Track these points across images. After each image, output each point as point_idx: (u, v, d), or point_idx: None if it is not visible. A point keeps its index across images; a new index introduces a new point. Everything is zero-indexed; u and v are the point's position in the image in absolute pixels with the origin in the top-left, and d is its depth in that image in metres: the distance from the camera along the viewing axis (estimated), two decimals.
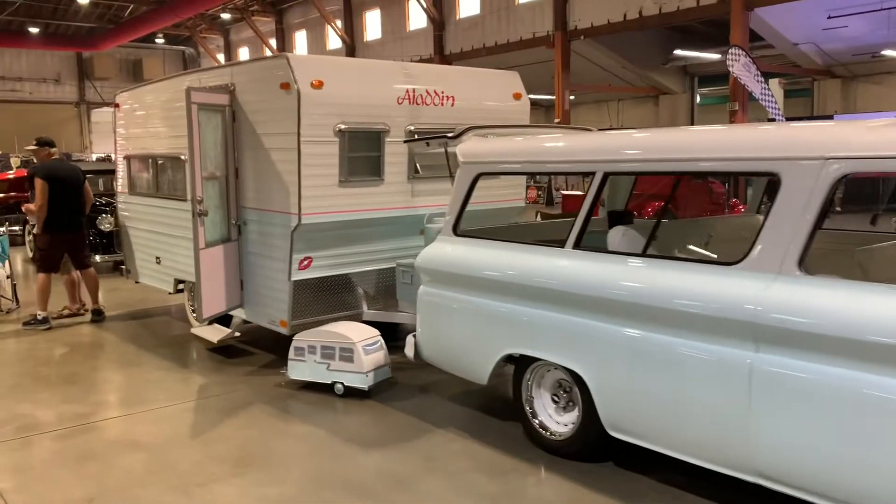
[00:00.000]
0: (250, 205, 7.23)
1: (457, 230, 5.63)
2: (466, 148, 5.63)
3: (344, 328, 6.40)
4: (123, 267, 10.04)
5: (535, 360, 5.03)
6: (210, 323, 8.14)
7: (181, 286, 8.82)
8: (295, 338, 6.44)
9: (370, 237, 7.24)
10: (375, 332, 6.41)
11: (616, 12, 22.65)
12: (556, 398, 5.12)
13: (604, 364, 4.49)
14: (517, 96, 7.97)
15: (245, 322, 7.62)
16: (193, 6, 31.93)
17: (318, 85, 6.52)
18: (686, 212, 14.88)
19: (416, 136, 7.00)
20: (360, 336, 6.24)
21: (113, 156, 10.29)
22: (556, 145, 5.29)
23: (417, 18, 29.86)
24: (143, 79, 40.55)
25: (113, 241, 13.11)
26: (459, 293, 5.41)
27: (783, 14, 21.29)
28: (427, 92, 7.26)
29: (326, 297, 7.13)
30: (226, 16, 37.44)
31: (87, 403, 6.46)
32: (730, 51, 17.74)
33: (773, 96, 18.13)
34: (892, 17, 20.91)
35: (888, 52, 21.81)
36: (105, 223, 12.28)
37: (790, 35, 23.06)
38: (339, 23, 33.06)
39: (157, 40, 42.16)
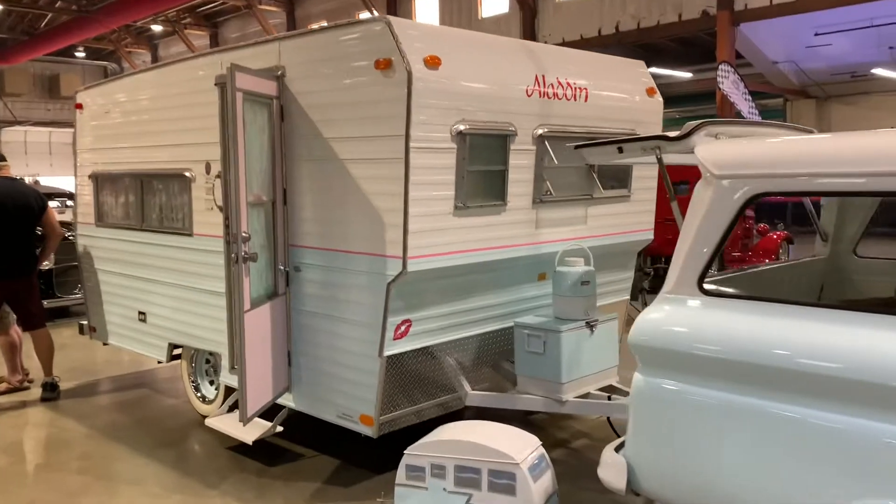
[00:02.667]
0: (308, 242, 4.94)
1: (704, 285, 3.51)
2: (722, 154, 3.53)
3: (486, 433, 4.16)
4: (85, 323, 7.48)
5: None
6: (231, 409, 5.76)
7: (177, 350, 6.40)
8: (408, 451, 4.17)
9: (480, 287, 5.06)
10: (534, 440, 4.20)
11: (590, 27, 21.07)
12: None
13: None
14: (651, 92, 5.95)
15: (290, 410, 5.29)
16: (120, 16, 28.94)
17: (435, 63, 4.34)
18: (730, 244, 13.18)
19: (569, 141, 4.89)
20: (520, 450, 4.03)
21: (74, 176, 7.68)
22: None
23: None
24: (61, 96, 37.04)
25: (52, 283, 10.51)
26: (738, 394, 3.28)
27: (768, 31, 20.42)
28: (559, 82, 5.16)
29: (425, 378, 4.89)
30: (156, 28, 34.48)
31: None
32: (719, 67, 16.89)
33: (759, 115, 17.35)
34: (882, 35, 20.17)
35: (879, 71, 20.97)
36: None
37: (771, 53, 22.18)
38: None
39: (77, 54, 38.69)
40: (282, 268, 5.00)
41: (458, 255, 4.67)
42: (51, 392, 7.05)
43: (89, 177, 7.07)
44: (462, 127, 4.51)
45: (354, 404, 4.74)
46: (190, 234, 5.89)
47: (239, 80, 4.40)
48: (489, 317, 5.19)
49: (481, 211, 4.78)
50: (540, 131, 5.03)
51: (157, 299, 6.35)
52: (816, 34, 20.78)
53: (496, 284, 5.17)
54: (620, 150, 4.04)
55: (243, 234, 4.45)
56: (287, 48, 4.94)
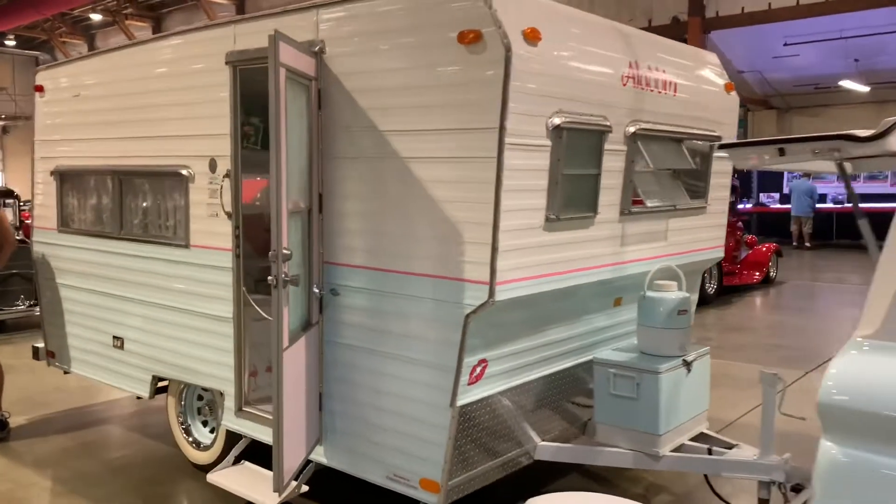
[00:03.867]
0: (349, 260, 3.97)
1: None
2: None
3: None
4: (41, 347, 6.30)
5: None
6: (236, 460, 4.74)
7: (162, 383, 5.32)
8: None
9: (556, 317, 4.18)
10: None
11: None
12: None
13: None
14: (729, 88, 5.16)
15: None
16: (58, 3, 27.13)
17: (535, 37, 3.43)
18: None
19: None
20: None
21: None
22: None
23: None
24: None
25: None
26: None
27: (737, 39, 20.28)
28: (650, 70, 4.31)
29: (494, 430, 3.96)
30: (95, 17, 32.58)
31: None
32: None
33: None
34: (850, 47, 20.15)
35: (846, 83, 20.90)
36: None
37: (738, 62, 22.00)
38: None
39: (7, 42, 36.38)
40: (316, 290, 4.01)
41: (547, 279, 3.77)
42: None
43: (51, 173, 5.91)
44: (559, 120, 3.62)
45: (412, 465, 3.78)
46: (185, 246, 4.84)
47: (282, 51, 3.41)
48: (561, 353, 4.31)
49: (571, 224, 3.89)
50: (632, 128, 4.17)
51: (138, 322, 5.26)
52: (786, 44, 20.66)
53: (572, 313, 4.29)
54: (782, 153, 3.20)
55: (284, 252, 3.46)
56: (329, 17, 3.96)
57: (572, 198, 3.83)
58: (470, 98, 3.40)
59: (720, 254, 5.41)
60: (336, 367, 4.09)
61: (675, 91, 4.51)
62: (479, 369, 3.69)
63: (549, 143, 3.61)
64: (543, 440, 4.28)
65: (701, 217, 5.06)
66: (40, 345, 6.30)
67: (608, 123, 3.97)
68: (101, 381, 5.72)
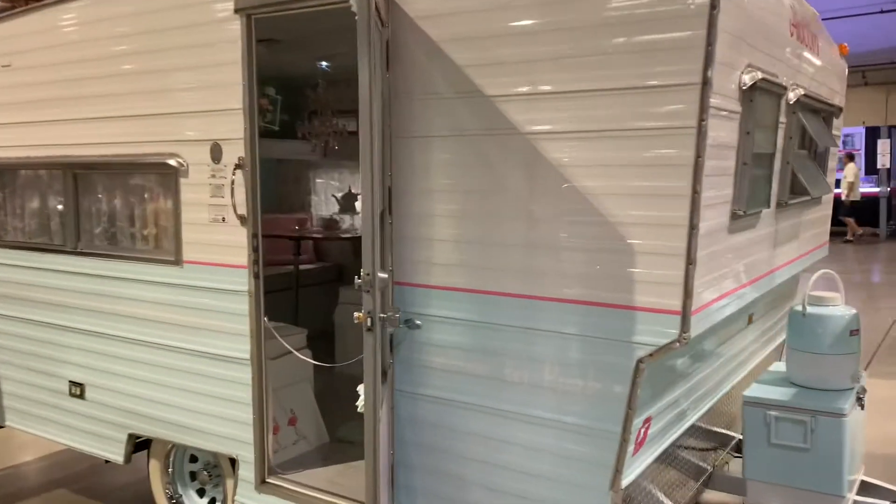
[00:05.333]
0: (436, 279, 2.82)
1: None
2: None
3: None
4: None
5: None
6: None
7: (138, 444, 4.04)
8: None
9: (707, 348, 3.15)
10: None
11: None
12: None
13: None
14: (843, 51, 4.24)
15: None
16: None
17: None
18: None
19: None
20: None
21: None
22: None
23: None
24: None
25: None
26: None
27: None
28: (802, 19, 3.32)
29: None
30: None
31: None
32: None
33: None
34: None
35: None
36: None
37: None
38: None
39: None
40: (387, 319, 2.85)
41: (732, 298, 2.74)
42: None
43: None
44: (750, 77, 2.57)
45: None
46: (175, 263, 3.59)
47: None
48: (704, 393, 3.29)
49: (749, 222, 2.86)
50: (794, 95, 3.16)
51: (106, 364, 3.96)
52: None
53: (716, 341, 3.27)
54: None
55: (382, 276, 2.29)
56: None
57: (754, 187, 2.79)
58: (658, 39, 2.31)
59: (824, 252, 4.49)
60: (414, 428, 2.95)
61: (817, 50, 3.54)
62: (643, 432, 2.62)
63: (738, 109, 2.56)
64: None
65: (818, 208, 4.13)
66: None
67: (783, 84, 2.95)
68: (52, 439, 4.37)
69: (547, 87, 2.51)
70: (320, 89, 5.93)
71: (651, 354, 2.39)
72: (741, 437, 4.03)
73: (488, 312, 2.73)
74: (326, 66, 5.68)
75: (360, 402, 2.46)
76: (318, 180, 6.58)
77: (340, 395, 4.28)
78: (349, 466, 3.63)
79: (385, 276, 2.27)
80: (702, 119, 2.25)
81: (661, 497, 3.09)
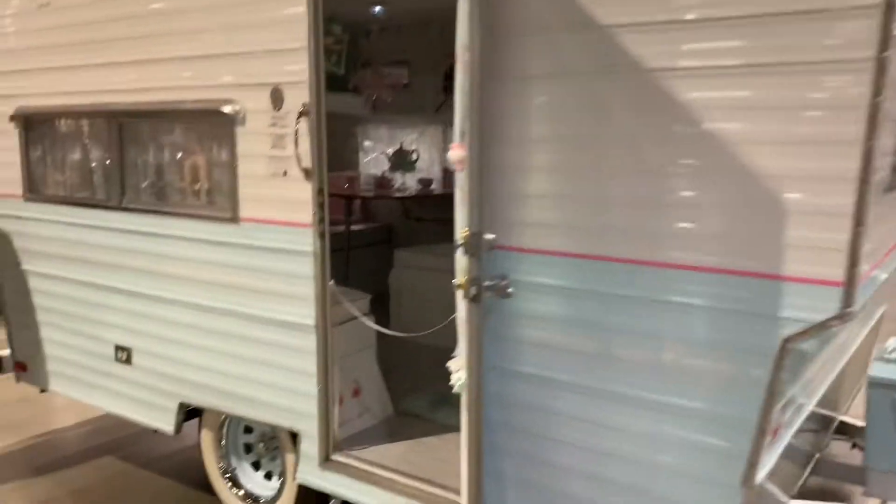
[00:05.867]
0: (532, 242, 2.46)
1: None
2: None
3: None
4: (4, 355, 4.65)
5: None
6: None
7: (188, 412, 3.79)
8: None
9: None
10: None
11: None
12: None
13: None
14: None
15: None
16: None
17: None
18: None
19: None
20: None
21: None
22: None
23: None
24: None
25: None
26: None
27: None
28: None
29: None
30: None
31: None
32: None
33: None
34: None
35: None
36: None
37: None
38: None
39: None
40: (477, 290, 2.51)
41: (882, 268, 2.36)
42: None
43: (11, 118, 4.20)
44: None
45: None
46: (232, 220, 3.27)
47: None
48: (827, 371, 2.92)
49: None
50: None
51: (154, 328, 3.69)
52: None
53: None
54: None
55: (488, 238, 1.94)
56: None
57: None
58: None
59: None
60: (504, 408, 2.62)
61: None
62: (779, 420, 2.27)
63: None
64: (792, 497, 2.92)
65: None
66: (3, 353, 4.65)
67: None
68: (97, 405, 4.14)
69: (691, 15, 2.12)
70: (373, 37, 5.54)
71: (802, 333, 2.04)
72: (842, 418, 3.69)
73: (596, 280, 2.38)
74: (380, 10, 5.30)
75: (457, 381, 2.14)
76: (367, 137, 6.22)
77: (401, 365, 3.98)
78: (419, 443, 3.34)
79: (492, 236, 1.92)
80: (883, 50, 1.86)
81: (774, 490, 2.75)
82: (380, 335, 3.54)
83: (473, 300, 1.90)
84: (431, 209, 5.97)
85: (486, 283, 1.90)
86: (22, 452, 4.72)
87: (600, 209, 2.35)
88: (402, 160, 5.75)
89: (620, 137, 2.29)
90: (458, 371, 2.21)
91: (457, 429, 3.44)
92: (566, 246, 2.42)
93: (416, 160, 5.82)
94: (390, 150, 5.86)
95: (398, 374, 3.86)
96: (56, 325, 4.24)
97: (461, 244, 1.96)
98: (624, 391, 2.36)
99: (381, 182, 5.57)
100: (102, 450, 4.72)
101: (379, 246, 6.02)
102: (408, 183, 5.86)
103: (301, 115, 2.96)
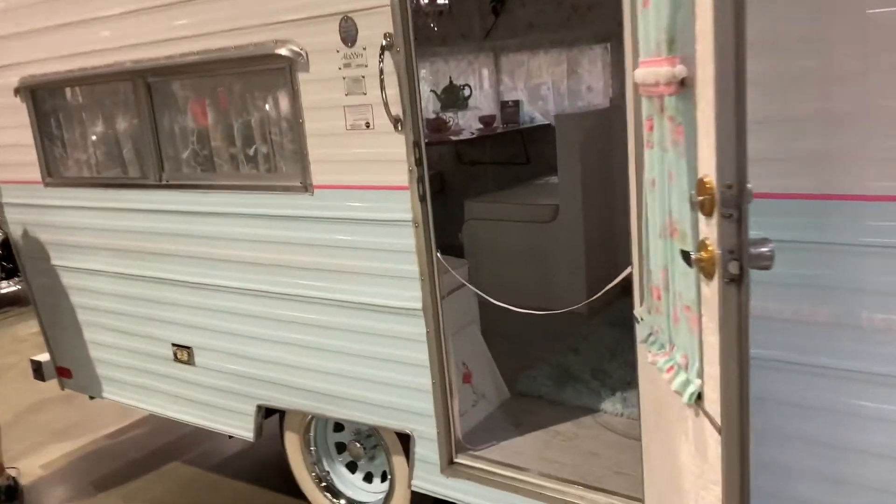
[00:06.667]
0: (782, 185, 1.84)
1: None
2: None
3: None
4: (43, 360, 4.14)
5: None
6: None
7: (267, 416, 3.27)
8: None
9: None
10: None
11: None
12: None
13: None
14: None
15: None
16: None
17: None
18: None
19: None
20: None
21: None
22: None
23: None
24: None
25: None
26: None
27: None
28: None
29: None
30: None
31: None
32: None
33: None
34: None
35: None
36: None
37: None
38: None
39: None
40: (740, 268, 1.91)
41: None
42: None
43: (16, 91, 3.58)
44: None
45: None
46: (303, 189, 2.69)
47: None
48: None
49: None
50: None
51: (218, 322, 3.14)
52: None
53: None
54: None
55: (749, 188, 1.34)
56: None
57: None
58: None
59: None
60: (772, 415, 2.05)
61: None
62: None
63: None
64: None
65: None
66: (42, 357, 4.14)
67: None
68: (160, 413, 3.63)
69: None
70: None
71: None
72: None
73: (830, 229, 1.79)
74: None
75: (687, 388, 1.58)
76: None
77: (500, 336, 3.43)
78: (553, 433, 2.82)
79: (751, 185, 1.33)
80: None
81: None
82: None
83: (733, 282, 1.33)
84: (489, 151, 5.36)
85: (751, 251, 1.32)
86: (75, 465, 4.25)
87: (833, 131, 1.74)
88: (453, 97, 5.11)
89: (867, 35, 1.67)
90: (679, 375, 1.65)
91: (593, 410, 2.92)
92: (786, 186, 1.82)
93: (469, 96, 5.17)
94: (439, 87, 5.21)
95: (503, 348, 3.31)
96: (100, 325, 3.70)
97: (700, 200, 1.38)
98: None
99: (437, 125, 4.94)
100: (163, 455, 4.25)
101: (434, 196, 5.43)
102: (461, 123, 5.23)
103: (384, 49, 2.34)
